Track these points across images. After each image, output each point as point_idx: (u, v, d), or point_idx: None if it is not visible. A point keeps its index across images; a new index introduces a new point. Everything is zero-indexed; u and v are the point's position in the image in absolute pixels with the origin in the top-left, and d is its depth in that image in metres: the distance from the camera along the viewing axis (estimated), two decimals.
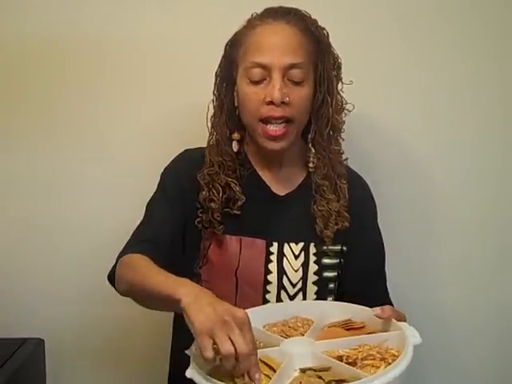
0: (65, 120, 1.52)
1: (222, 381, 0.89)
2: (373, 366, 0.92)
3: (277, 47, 1.14)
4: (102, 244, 1.52)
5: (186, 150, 1.29)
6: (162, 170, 1.27)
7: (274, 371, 0.92)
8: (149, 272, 1.05)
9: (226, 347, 0.86)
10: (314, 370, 0.92)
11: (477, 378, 1.55)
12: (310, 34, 1.18)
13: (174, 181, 1.24)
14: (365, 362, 0.93)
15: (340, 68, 1.23)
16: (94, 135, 1.52)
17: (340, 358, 0.94)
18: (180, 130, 1.43)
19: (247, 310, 1.11)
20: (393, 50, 1.48)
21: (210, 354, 0.86)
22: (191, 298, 0.92)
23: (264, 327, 1.10)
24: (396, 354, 0.94)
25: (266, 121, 1.16)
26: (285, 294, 1.22)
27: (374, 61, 1.47)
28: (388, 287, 1.29)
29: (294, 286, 1.23)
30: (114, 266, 1.15)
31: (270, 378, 0.91)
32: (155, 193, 1.26)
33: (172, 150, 1.28)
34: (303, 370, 0.93)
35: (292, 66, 1.14)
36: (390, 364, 0.91)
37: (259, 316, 1.11)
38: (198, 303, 0.91)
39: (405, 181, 1.51)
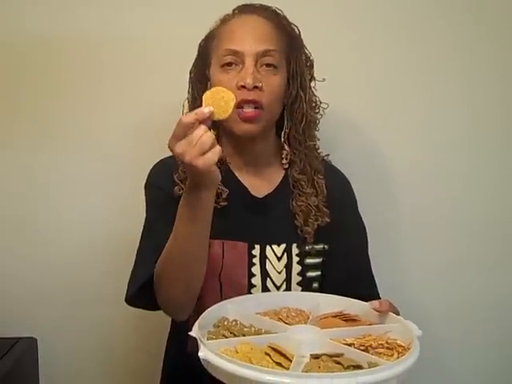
0: (58, 119, 1.51)
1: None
2: (385, 354, 0.94)
3: (249, 35, 1.16)
4: (95, 243, 1.52)
5: (159, 161, 1.27)
6: (143, 187, 1.24)
7: (285, 357, 0.91)
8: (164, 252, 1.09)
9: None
10: (329, 356, 0.92)
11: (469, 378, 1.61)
12: (282, 29, 1.20)
13: (159, 192, 1.22)
14: (377, 350, 0.95)
15: (312, 66, 1.25)
16: (88, 134, 1.52)
17: (349, 346, 0.96)
18: (171, 127, 1.38)
19: (238, 297, 1.12)
20: (377, 49, 1.51)
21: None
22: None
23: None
24: (402, 344, 0.96)
25: (239, 106, 1.14)
26: None
27: (361, 63, 1.51)
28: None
29: (278, 288, 1.22)
30: (129, 290, 1.17)
31: (281, 365, 0.89)
32: (147, 211, 1.23)
33: (164, 150, 1.22)
34: (316, 356, 0.92)
35: (265, 53, 1.15)
36: (400, 353, 0.94)
37: (248, 304, 1.10)
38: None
39: (394, 181, 1.55)
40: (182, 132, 0.97)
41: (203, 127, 0.97)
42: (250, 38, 1.15)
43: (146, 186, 1.24)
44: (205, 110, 0.97)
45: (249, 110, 1.15)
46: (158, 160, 1.27)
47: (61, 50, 1.49)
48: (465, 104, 1.53)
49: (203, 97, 1.01)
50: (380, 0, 1.50)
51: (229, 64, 1.16)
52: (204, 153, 0.96)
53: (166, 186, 1.20)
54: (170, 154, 1.22)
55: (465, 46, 1.51)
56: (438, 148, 1.54)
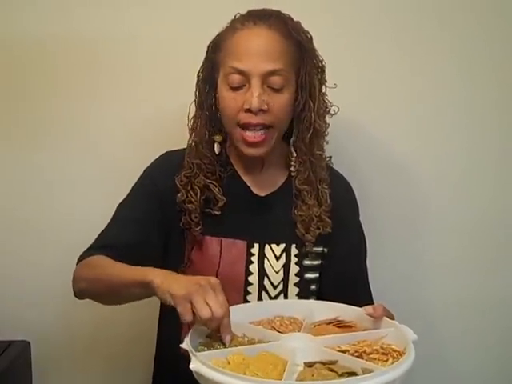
0: (56, 119, 1.51)
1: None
2: (379, 359, 0.93)
3: (256, 53, 1.13)
4: (88, 245, 1.44)
5: (166, 153, 1.27)
6: (142, 172, 1.25)
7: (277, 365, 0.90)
8: (113, 266, 1.08)
9: (204, 312, 0.91)
10: (323, 364, 0.90)
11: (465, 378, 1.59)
12: (291, 39, 1.16)
13: (150, 183, 1.23)
14: (371, 356, 0.93)
15: (324, 71, 1.22)
16: (86, 134, 1.51)
17: (344, 353, 0.94)
18: (170, 130, 1.42)
19: (231, 307, 1.10)
20: (383, 53, 1.50)
21: (189, 317, 0.92)
22: (162, 276, 0.97)
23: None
24: (397, 349, 0.95)
25: (243, 126, 1.14)
26: (266, 295, 1.21)
27: (362, 63, 1.50)
28: (371, 288, 1.30)
29: (275, 287, 1.22)
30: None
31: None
32: (128, 194, 1.24)
33: (161, 150, 1.28)
34: (309, 365, 0.91)
35: (271, 73, 1.12)
36: (395, 358, 0.92)
37: (242, 313, 1.08)
38: (170, 278, 0.97)
39: (391, 182, 1.54)
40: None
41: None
42: (257, 57, 1.12)
43: (143, 174, 1.25)
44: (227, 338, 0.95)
45: (256, 134, 1.14)
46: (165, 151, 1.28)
47: (58, 50, 1.48)
48: (463, 102, 1.52)
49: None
50: (380, 2, 1.50)
51: (236, 88, 1.14)
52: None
53: (162, 183, 1.21)
54: (177, 147, 1.26)
55: (464, 44, 1.50)
56: (436, 148, 1.53)
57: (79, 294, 1.16)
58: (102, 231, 1.20)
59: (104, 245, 1.16)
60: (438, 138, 1.53)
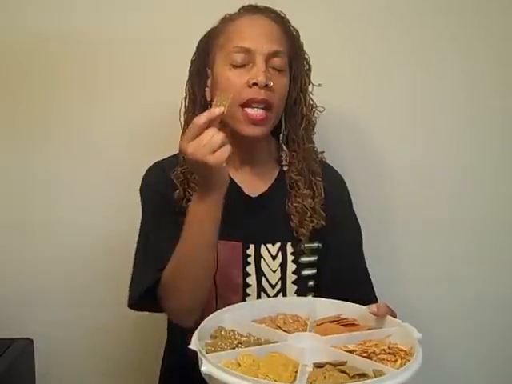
0: (55, 120, 1.52)
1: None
2: (388, 360, 0.93)
3: (260, 34, 1.16)
4: (90, 244, 1.52)
5: (155, 163, 1.26)
6: (139, 189, 1.24)
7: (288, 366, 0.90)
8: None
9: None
10: (333, 365, 0.91)
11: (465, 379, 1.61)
12: (287, 33, 1.21)
13: (156, 196, 1.22)
14: (380, 356, 0.94)
15: (310, 70, 1.25)
16: (85, 135, 1.52)
17: (351, 353, 0.94)
18: (170, 130, 1.37)
19: (233, 305, 1.10)
20: (376, 48, 1.51)
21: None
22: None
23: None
24: (404, 348, 0.95)
25: (247, 105, 1.15)
26: (265, 295, 1.21)
27: (357, 60, 1.51)
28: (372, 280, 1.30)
29: (273, 286, 1.22)
30: (131, 296, 1.17)
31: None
32: (143, 214, 1.22)
33: (161, 150, 1.28)
34: (319, 365, 0.91)
35: (275, 54, 1.15)
36: (403, 358, 0.93)
37: (244, 311, 1.09)
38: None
39: (392, 178, 1.55)
40: (195, 133, 0.99)
41: (214, 128, 1.00)
42: (261, 38, 1.16)
43: (142, 190, 1.23)
44: (216, 110, 1.00)
45: (258, 112, 1.15)
46: (153, 162, 1.26)
47: (59, 51, 1.48)
48: (463, 101, 1.53)
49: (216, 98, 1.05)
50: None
51: (239, 66, 1.15)
52: (214, 151, 0.99)
53: (164, 189, 1.20)
54: (166, 156, 1.26)
55: (464, 43, 1.51)
56: (436, 145, 1.54)
57: (188, 319, 1.11)
58: (141, 264, 1.19)
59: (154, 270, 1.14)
60: (436, 137, 1.54)
